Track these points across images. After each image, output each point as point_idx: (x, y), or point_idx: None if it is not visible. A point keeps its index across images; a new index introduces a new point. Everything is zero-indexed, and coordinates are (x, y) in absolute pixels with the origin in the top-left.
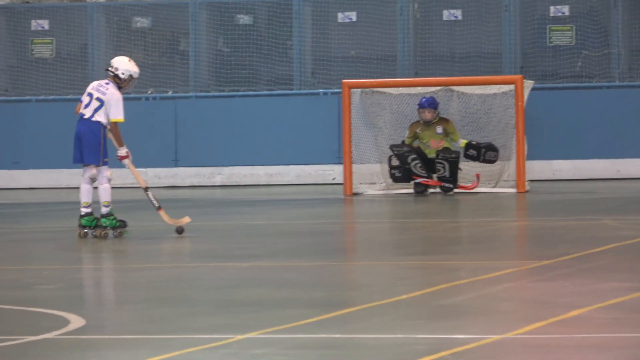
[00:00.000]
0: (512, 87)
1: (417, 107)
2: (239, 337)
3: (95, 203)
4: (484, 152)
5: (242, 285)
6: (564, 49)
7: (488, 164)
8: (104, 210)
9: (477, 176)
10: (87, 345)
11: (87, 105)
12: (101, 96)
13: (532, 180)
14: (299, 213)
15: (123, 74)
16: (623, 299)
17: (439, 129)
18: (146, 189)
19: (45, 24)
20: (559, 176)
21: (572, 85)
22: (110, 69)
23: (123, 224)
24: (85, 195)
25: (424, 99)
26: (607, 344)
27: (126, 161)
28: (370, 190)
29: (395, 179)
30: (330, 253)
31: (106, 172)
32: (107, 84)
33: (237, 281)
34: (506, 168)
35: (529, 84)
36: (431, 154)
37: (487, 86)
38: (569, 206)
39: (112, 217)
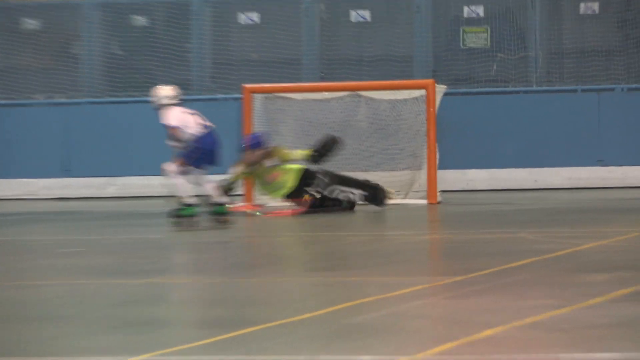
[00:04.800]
0: (423, 92)
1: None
2: (132, 359)
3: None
4: (323, 148)
5: (135, 303)
6: (478, 52)
7: (332, 155)
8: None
9: (307, 200)
10: None
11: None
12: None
13: (444, 191)
14: (200, 225)
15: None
16: (541, 317)
17: (269, 163)
18: None
19: None
20: (474, 186)
21: (487, 90)
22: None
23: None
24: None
25: (245, 139)
26: None
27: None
28: (274, 203)
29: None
30: (229, 269)
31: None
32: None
33: (130, 299)
34: (417, 178)
35: (441, 89)
36: (282, 192)
37: (397, 91)
38: (484, 218)
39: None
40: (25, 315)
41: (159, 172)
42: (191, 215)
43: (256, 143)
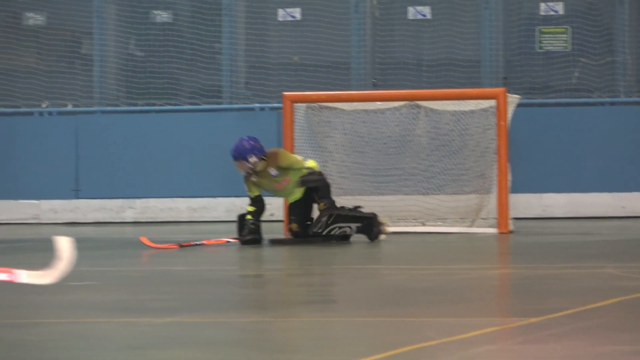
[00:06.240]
0: (492, 102)
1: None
2: None
3: None
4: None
5: (158, 346)
6: (557, 56)
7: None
8: None
9: (292, 228)
10: None
11: None
12: None
13: (517, 219)
14: (228, 256)
15: None
16: None
17: (273, 171)
18: None
19: None
20: (551, 213)
21: (567, 101)
22: None
23: None
24: None
25: (231, 149)
26: None
27: None
28: (316, 229)
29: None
30: (267, 306)
31: None
32: None
33: (152, 340)
34: (485, 203)
35: (513, 99)
36: (292, 197)
37: (462, 101)
38: (562, 250)
39: None
40: (25, 359)
41: (185, 193)
42: None
43: (242, 153)
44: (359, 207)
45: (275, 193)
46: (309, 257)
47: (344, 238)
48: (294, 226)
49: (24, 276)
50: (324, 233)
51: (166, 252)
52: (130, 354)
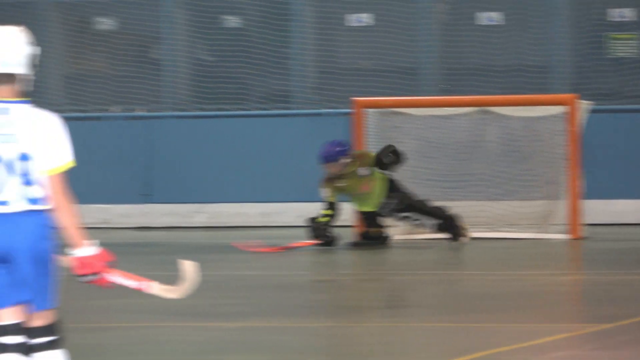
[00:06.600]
0: (563, 108)
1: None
2: None
3: None
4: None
5: (229, 350)
6: (627, 62)
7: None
8: None
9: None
10: None
11: None
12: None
13: (589, 224)
14: (298, 261)
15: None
16: None
17: (362, 170)
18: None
19: None
20: (623, 219)
21: (638, 107)
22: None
23: None
24: None
25: (321, 152)
26: None
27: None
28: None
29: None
30: (338, 311)
31: None
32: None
33: (223, 345)
34: (556, 209)
35: (584, 105)
36: (366, 206)
37: (532, 107)
38: (634, 256)
39: None
40: None
41: (255, 198)
42: None
43: (332, 154)
44: (442, 207)
45: (356, 198)
46: (380, 262)
47: (384, 241)
48: (374, 230)
49: (156, 288)
50: (391, 216)
51: (237, 257)
52: (201, 358)
